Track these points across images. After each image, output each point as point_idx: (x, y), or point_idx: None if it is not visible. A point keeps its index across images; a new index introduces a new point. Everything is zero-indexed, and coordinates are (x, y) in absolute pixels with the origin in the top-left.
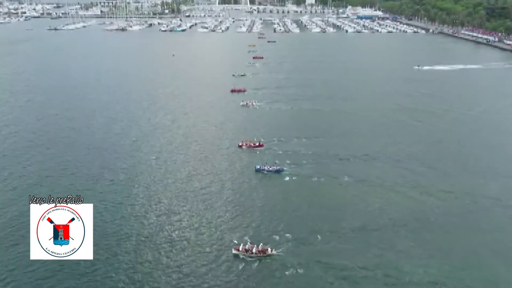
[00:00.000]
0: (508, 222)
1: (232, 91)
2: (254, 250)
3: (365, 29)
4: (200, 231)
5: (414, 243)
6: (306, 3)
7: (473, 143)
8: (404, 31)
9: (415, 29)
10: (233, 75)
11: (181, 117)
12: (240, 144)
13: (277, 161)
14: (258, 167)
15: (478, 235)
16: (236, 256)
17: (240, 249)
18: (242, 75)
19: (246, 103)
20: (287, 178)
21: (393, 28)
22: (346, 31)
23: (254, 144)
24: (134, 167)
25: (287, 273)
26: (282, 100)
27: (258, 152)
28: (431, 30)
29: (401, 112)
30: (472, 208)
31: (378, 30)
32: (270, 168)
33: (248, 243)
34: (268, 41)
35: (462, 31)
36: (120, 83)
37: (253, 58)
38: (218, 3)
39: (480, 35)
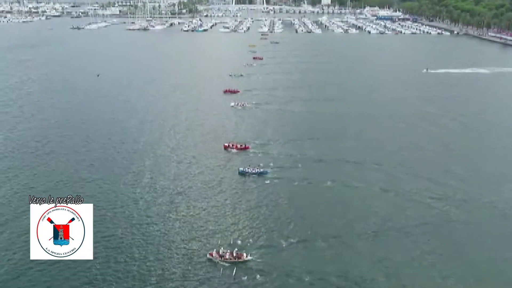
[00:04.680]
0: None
1: (225, 91)
2: (228, 256)
3: (387, 30)
4: (176, 234)
5: (402, 251)
6: (322, 4)
7: (477, 148)
8: (428, 32)
9: (439, 31)
10: (230, 75)
11: (171, 117)
12: (226, 145)
13: (261, 164)
14: (242, 169)
15: (470, 245)
16: (210, 261)
17: (214, 254)
18: (239, 76)
19: (237, 104)
20: (270, 181)
21: (416, 29)
22: (369, 32)
23: (240, 146)
24: (129, 167)
25: (261, 278)
26: (274, 102)
27: (243, 154)
28: (455, 32)
29: (395, 117)
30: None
31: (401, 31)
32: (254, 171)
33: (223, 248)
34: (271, 42)
35: (489, 33)
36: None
37: (253, 58)
38: (234, 3)
39: (509, 37)
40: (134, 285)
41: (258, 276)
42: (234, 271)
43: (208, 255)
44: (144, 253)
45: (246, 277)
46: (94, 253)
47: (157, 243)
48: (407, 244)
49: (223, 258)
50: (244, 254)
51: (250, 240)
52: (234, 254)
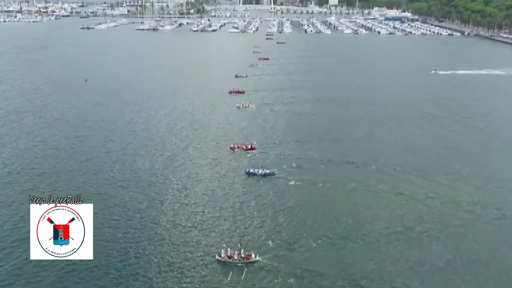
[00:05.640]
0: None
1: (230, 92)
2: (237, 257)
3: (397, 31)
4: (182, 235)
5: (411, 253)
6: (330, 4)
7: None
8: (438, 33)
9: (450, 32)
10: (236, 76)
11: (176, 117)
12: (232, 146)
13: (267, 164)
14: (248, 170)
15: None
16: (219, 262)
17: (223, 255)
18: (244, 76)
19: (242, 105)
20: (277, 182)
21: (426, 30)
22: (379, 32)
23: (246, 146)
24: (132, 167)
25: (268, 280)
26: (279, 103)
27: (249, 155)
28: (466, 33)
29: (403, 118)
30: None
31: (411, 32)
32: (260, 172)
33: (232, 249)
34: (277, 42)
35: (501, 34)
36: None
37: (259, 59)
38: (241, 3)
39: None
40: (136, 286)
41: (266, 277)
42: (243, 272)
43: (216, 256)
44: (147, 253)
45: (255, 278)
46: (94, 253)
47: (161, 243)
48: (421, 246)
49: (231, 259)
50: (253, 255)
51: (259, 240)
52: (243, 255)
